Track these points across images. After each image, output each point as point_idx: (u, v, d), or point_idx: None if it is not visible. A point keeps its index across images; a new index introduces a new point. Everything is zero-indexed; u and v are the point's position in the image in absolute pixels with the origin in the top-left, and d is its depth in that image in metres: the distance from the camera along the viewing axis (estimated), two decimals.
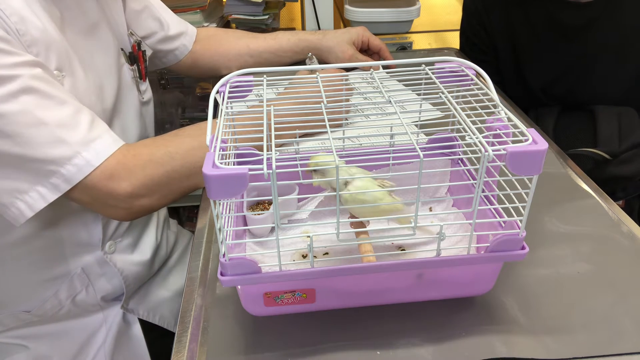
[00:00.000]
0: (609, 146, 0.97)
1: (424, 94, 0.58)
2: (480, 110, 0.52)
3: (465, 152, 0.63)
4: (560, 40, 1.06)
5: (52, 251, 0.76)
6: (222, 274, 0.48)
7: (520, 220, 0.49)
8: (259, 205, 0.66)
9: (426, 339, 0.53)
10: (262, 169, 0.42)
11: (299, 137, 0.62)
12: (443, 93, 0.54)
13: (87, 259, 0.79)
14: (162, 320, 0.92)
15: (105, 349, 0.84)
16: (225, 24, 1.56)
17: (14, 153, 0.60)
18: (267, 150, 0.45)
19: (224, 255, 0.47)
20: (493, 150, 0.44)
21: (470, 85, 0.56)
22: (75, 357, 0.83)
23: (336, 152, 0.47)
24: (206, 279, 0.62)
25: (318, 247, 0.60)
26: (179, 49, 1.01)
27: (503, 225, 0.52)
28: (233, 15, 1.50)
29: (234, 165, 0.49)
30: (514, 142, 0.45)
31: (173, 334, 0.56)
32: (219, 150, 0.44)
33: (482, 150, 0.44)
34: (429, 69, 0.57)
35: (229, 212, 0.54)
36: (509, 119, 0.49)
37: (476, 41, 1.20)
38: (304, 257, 0.60)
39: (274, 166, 0.42)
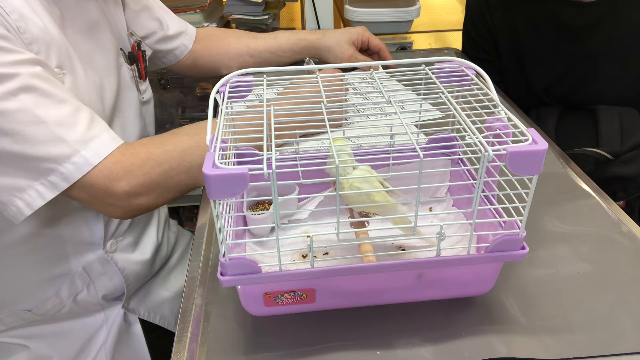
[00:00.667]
0: (611, 146, 0.97)
1: (424, 94, 0.58)
2: (480, 110, 0.52)
3: (465, 152, 0.63)
4: (563, 40, 1.06)
5: (53, 250, 0.76)
6: (222, 274, 0.48)
7: (520, 220, 0.49)
8: (259, 205, 0.66)
9: (426, 339, 0.53)
10: (262, 169, 0.42)
11: (299, 137, 0.62)
12: (443, 93, 0.54)
13: (89, 258, 0.79)
14: (163, 320, 0.92)
15: (106, 349, 0.84)
16: (225, 24, 1.56)
17: (13, 151, 0.60)
18: (267, 150, 0.45)
19: (224, 255, 0.47)
20: (493, 150, 0.44)
21: (470, 85, 0.56)
22: (75, 357, 0.83)
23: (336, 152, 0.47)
24: (206, 279, 0.62)
25: (318, 247, 0.60)
26: (179, 48, 1.01)
27: (503, 225, 0.52)
28: (233, 15, 1.50)
29: (234, 165, 0.49)
30: (514, 142, 0.45)
31: (173, 334, 0.56)
32: (219, 150, 0.44)
33: (482, 150, 0.44)
34: (429, 69, 0.57)
35: (229, 212, 0.54)
36: (509, 119, 0.49)
37: (479, 40, 1.19)
38: (304, 257, 0.60)
39: (274, 166, 0.42)
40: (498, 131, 0.50)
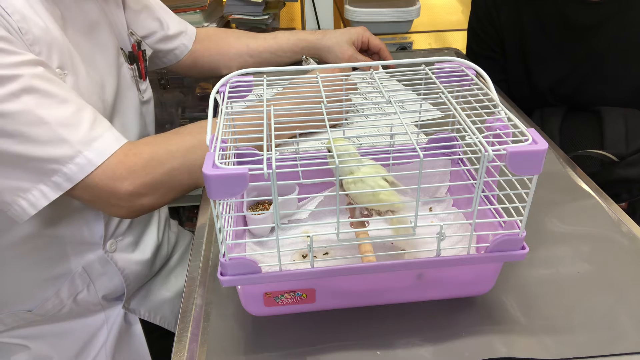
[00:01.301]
0: (616, 148, 0.97)
1: (424, 94, 0.58)
2: (480, 110, 0.52)
3: (465, 152, 0.63)
4: (569, 39, 1.06)
5: (53, 250, 0.76)
6: (222, 274, 0.48)
7: (520, 220, 0.49)
8: (259, 205, 0.66)
9: (426, 339, 0.53)
10: (262, 169, 0.42)
11: (299, 136, 0.62)
12: (443, 93, 0.54)
13: (89, 258, 0.79)
14: (163, 320, 0.92)
15: (107, 350, 0.84)
16: (225, 24, 1.56)
17: (16, 152, 0.60)
18: (267, 150, 0.45)
19: (224, 255, 0.47)
20: (493, 150, 0.44)
21: (470, 85, 0.56)
22: (76, 357, 0.83)
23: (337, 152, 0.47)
24: (206, 279, 0.62)
25: (318, 247, 0.60)
26: (179, 48, 1.01)
27: (503, 225, 0.52)
28: (233, 15, 1.50)
29: (234, 165, 0.49)
30: (514, 142, 0.45)
31: (174, 334, 0.56)
32: (219, 150, 0.44)
33: (482, 150, 0.44)
34: (429, 69, 0.57)
35: (229, 212, 0.54)
36: (509, 119, 0.49)
37: (484, 38, 1.19)
38: (304, 257, 0.60)
39: (274, 166, 0.42)
40: (498, 131, 0.50)
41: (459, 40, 1.57)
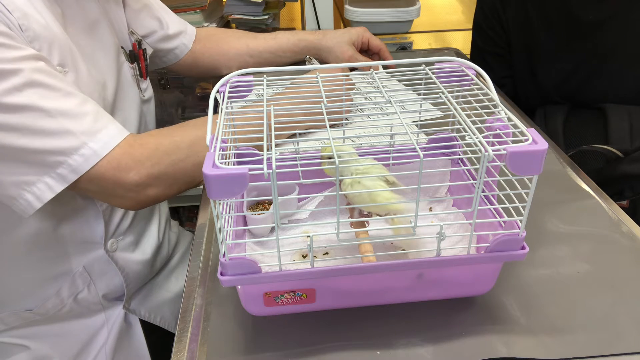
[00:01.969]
0: (621, 144, 0.97)
1: (424, 94, 0.58)
2: (480, 110, 0.52)
3: (465, 152, 0.63)
4: (575, 35, 1.05)
5: (54, 249, 0.76)
6: (222, 274, 0.48)
7: (520, 220, 0.49)
8: (259, 205, 0.66)
9: (426, 339, 0.53)
10: (262, 169, 0.42)
11: (299, 136, 0.62)
12: (443, 93, 0.54)
13: (89, 257, 0.79)
14: (164, 321, 0.92)
15: (107, 350, 0.84)
16: (225, 24, 1.56)
17: (21, 145, 0.60)
18: (267, 150, 0.45)
19: (224, 255, 0.47)
20: (493, 150, 0.44)
21: (470, 85, 0.56)
22: (76, 358, 0.83)
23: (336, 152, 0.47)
24: (206, 279, 0.62)
25: (318, 247, 0.60)
26: (179, 47, 1.02)
27: (503, 225, 0.52)
28: (233, 15, 1.50)
29: (234, 165, 0.49)
30: (514, 142, 0.45)
31: (174, 335, 0.56)
32: (219, 150, 0.44)
33: (482, 150, 0.44)
34: (429, 69, 0.57)
35: (229, 212, 0.54)
36: (509, 119, 0.49)
37: (490, 34, 1.19)
38: (304, 257, 0.60)
39: (274, 166, 0.42)
40: (498, 131, 0.50)
41: (459, 40, 1.57)
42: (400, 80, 0.59)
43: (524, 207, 0.48)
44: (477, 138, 0.46)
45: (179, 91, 1.65)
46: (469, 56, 1.30)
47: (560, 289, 0.58)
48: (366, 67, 1.03)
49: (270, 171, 0.42)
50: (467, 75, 0.56)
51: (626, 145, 0.97)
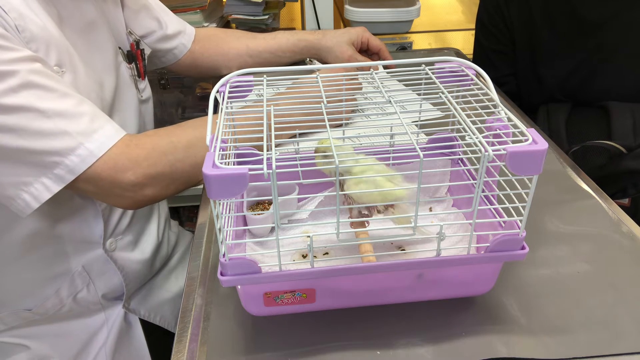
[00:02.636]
0: (624, 140, 0.97)
1: (424, 94, 0.58)
2: (480, 110, 0.52)
3: (465, 152, 0.63)
4: (579, 33, 1.05)
5: (53, 248, 0.76)
6: (222, 274, 0.48)
7: (520, 220, 0.49)
8: (259, 205, 0.66)
9: (426, 339, 0.53)
10: (262, 169, 0.42)
11: (299, 136, 0.62)
12: (443, 93, 0.54)
13: (88, 257, 0.79)
14: (163, 321, 0.92)
15: (107, 350, 0.84)
16: (225, 24, 1.56)
17: (18, 146, 0.60)
18: (267, 150, 0.45)
19: (224, 255, 0.47)
20: (493, 150, 0.44)
21: (470, 85, 0.56)
22: (76, 357, 0.83)
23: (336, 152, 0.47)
24: (206, 279, 0.62)
25: (318, 247, 0.60)
26: (178, 47, 1.02)
27: (503, 225, 0.52)
28: (233, 15, 1.50)
29: (234, 165, 0.49)
30: (514, 142, 0.45)
31: (174, 335, 0.56)
32: (219, 150, 0.44)
33: (482, 150, 0.44)
34: (429, 69, 0.57)
35: (229, 212, 0.54)
36: (509, 119, 0.49)
37: (493, 31, 1.19)
38: (304, 257, 0.60)
39: (274, 166, 0.42)
40: (498, 131, 0.50)
41: (459, 40, 1.57)
42: (400, 80, 0.59)
43: (524, 207, 0.48)
44: (477, 138, 0.46)
45: (179, 91, 1.65)
46: (469, 56, 1.30)
47: (560, 289, 0.58)
48: (366, 67, 1.03)
49: (270, 171, 0.42)
50: (467, 75, 0.56)
51: (629, 141, 0.97)
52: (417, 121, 0.66)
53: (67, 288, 0.79)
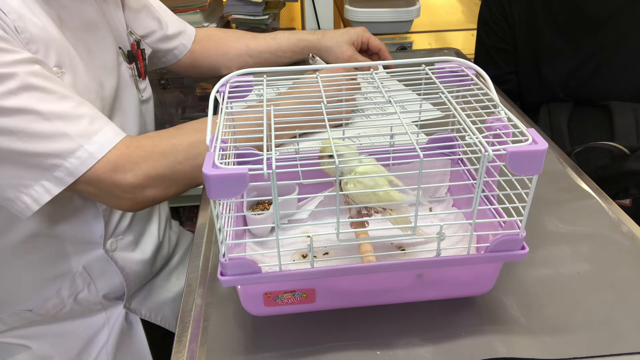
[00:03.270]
0: (627, 141, 0.97)
1: (424, 94, 0.58)
2: (480, 110, 0.52)
3: (465, 152, 0.63)
4: (581, 31, 1.05)
5: (53, 249, 0.76)
6: (222, 274, 0.48)
7: (520, 220, 0.49)
8: (259, 205, 0.66)
9: (426, 339, 0.53)
10: (262, 169, 0.42)
11: (299, 137, 0.62)
12: (443, 93, 0.54)
13: (89, 257, 0.79)
14: (164, 321, 0.92)
15: (108, 349, 0.84)
16: (225, 24, 1.56)
17: (18, 149, 0.60)
18: (267, 150, 0.45)
19: (224, 255, 0.47)
20: (493, 150, 0.44)
21: (470, 85, 0.56)
22: (77, 357, 0.83)
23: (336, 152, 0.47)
24: (206, 279, 0.62)
25: (318, 247, 0.60)
26: (178, 48, 1.02)
27: (503, 225, 0.52)
28: (233, 15, 1.50)
29: (234, 165, 0.49)
30: (514, 142, 0.45)
31: (175, 334, 0.56)
32: (219, 150, 0.44)
33: (482, 150, 0.44)
34: (429, 69, 0.57)
35: (229, 212, 0.54)
36: (509, 119, 0.49)
37: (495, 29, 1.19)
38: (304, 257, 0.60)
39: (274, 166, 0.42)
40: (498, 131, 0.50)
41: (459, 40, 1.57)
42: (400, 80, 0.59)
43: (524, 207, 0.48)
44: (477, 138, 0.46)
45: (179, 91, 1.65)
46: (469, 56, 1.30)
47: (560, 289, 0.58)
48: (366, 67, 1.03)
49: (270, 171, 0.42)
50: (467, 75, 0.56)
51: (632, 142, 0.97)
52: (417, 121, 0.66)
53: (67, 288, 0.79)
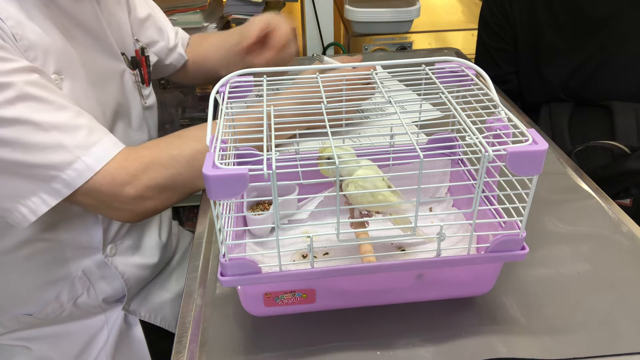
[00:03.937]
0: (628, 140, 0.97)
1: (424, 94, 0.58)
2: (480, 110, 0.52)
3: (465, 152, 0.63)
4: (582, 31, 1.05)
5: (53, 254, 0.76)
6: (222, 274, 0.48)
7: (520, 221, 0.49)
8: (259, 206, 0.66)
9: (426, 339, 0.53)
10: (262, 169, 0.42)
11: (299, 137, 0.62)
12: (443, 93, 0.54)
13: (88, 262, 0.79)
14: (164, 321, 0.92)
15: (107, 351, 0.84)
16: (225, 24, 1.55)
17: (15, 160, 0.59)
18: (267, 151, 0.45)
19: (224, 255, 0.47)
20: (493, 151, 0.44)
21: (470, 85, 0.56)
22: (76, 359, 0.83)
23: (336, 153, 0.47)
24: (206, 279, 0.62)
25: (318, 247, 0.60)
26: (177, 59, 1.00)
27: (503, 225, 0.52)
28: (233, 15, 1.50)
29: (234, 165, 0.49)
30: (514, 142, 0.45)
31: (174, 335, 0.56)
32: (219, 151, 0.44)
33: (482, 150, 0.44)
34: (429, 69, 0.57)
35: (229, 213, 0.54)
36: (509, 119, 0.49)
37: (496, 29, 1.19)
38: (304, 257, 0.60)
39: (274, 166, 0.42)
40: (498, 131, 0.50)
41: (459, 40, 1.57)
42: (400, 81, 0.59)
43: (524, 208, 0.48)
44: (477, 138, 0.46)
45: (179, 91, 1.65)
46: (469, 56, 1.30)
47: (560, 289, 0.58)
48: (367, 68, 1.03)
49: (270, 171, 0.42)
50: (467, 75, 0.56)
51: (633, 141, 0.97)
52: (417, 121, 0.66)
53: (67, 293, 0.79)
